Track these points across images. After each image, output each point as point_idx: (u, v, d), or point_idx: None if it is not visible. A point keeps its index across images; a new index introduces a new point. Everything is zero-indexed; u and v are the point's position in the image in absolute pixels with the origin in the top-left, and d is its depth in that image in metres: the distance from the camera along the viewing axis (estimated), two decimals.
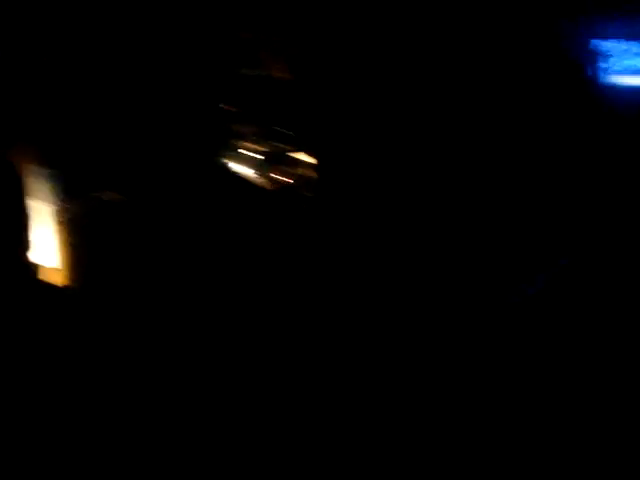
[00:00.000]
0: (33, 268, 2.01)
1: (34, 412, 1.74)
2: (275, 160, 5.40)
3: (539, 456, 1.49)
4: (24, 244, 1.93)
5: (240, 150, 5.98)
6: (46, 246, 3.72)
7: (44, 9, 4.03)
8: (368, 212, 1.87)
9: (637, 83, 5.55)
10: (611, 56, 5.77)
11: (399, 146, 1.81)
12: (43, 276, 3.60)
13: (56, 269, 3.69)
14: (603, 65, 5.77)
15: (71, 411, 1.81)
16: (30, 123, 3.95)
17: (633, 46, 5.83)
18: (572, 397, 1.37)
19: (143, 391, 1.97)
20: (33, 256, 3.73)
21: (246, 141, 6.11)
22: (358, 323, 1.75)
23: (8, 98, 4.08)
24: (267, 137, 5.49)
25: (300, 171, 4.23)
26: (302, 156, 3.49)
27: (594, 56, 5.87)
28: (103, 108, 3.89)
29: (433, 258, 1.72)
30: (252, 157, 6.15)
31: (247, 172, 5.92)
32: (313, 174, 1.90)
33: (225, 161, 4.49)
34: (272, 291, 1.93)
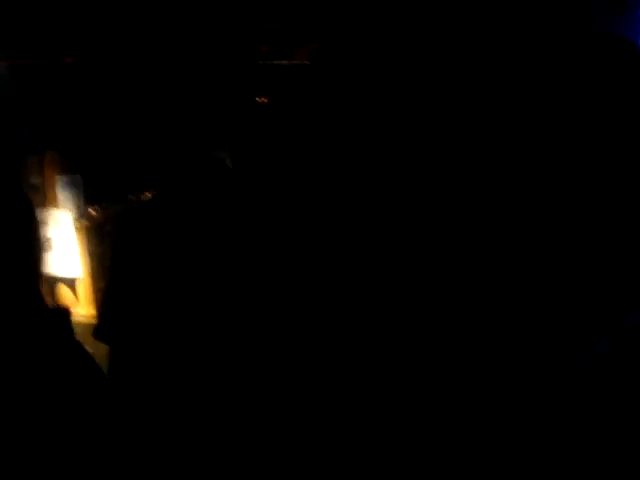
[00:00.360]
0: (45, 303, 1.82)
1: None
2: None
3: None
4: (35, 278, 1.75)
5: None
6: (68, 256, 3.60)
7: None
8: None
9: None
10: None
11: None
12: (63, 293, 3.50)
13: (78, 279, 3.58)
14: None
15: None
16: (52, 130, 3.84)
17: None
18: None
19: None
20: (53, 271, 3.62)
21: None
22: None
23: (29, 106, 3.98)
24: None
25: None
26: None
27: None
28: (126, 110, 3.75)
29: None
30: None
31: None
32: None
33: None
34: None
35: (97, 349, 2.10)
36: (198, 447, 1.79)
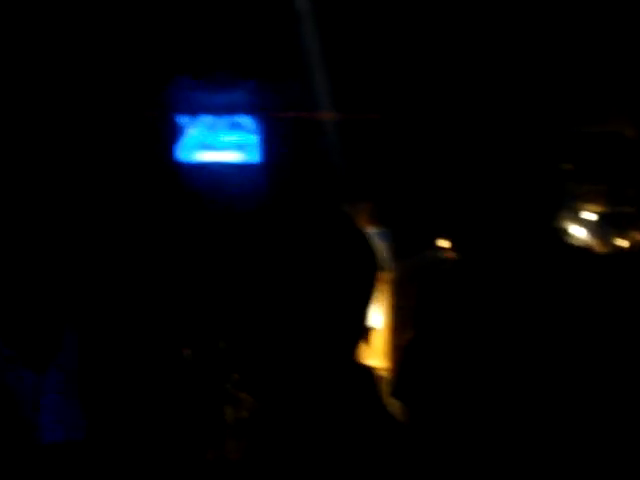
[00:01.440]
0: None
1: None
2: (616, 222, 5.02)
3: None
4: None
5: (576, 210, 5.66)
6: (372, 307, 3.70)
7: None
8: None
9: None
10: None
11: None
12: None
13: (379, 330, 3.65)
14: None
15: None
16: (366, 182, 3.99)
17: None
18: None
19: None
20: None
21: (583, 201, 5.77)
22: None
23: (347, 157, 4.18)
24: (607, 197, 5.14)
25: None
26: None
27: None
28: (432, 169, 3.85)
29: None
30: (589, 218, 5.78)
31: (583, 234, 5.58)
32: None
33: (560, 222, 4.24)
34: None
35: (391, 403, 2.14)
36: None
